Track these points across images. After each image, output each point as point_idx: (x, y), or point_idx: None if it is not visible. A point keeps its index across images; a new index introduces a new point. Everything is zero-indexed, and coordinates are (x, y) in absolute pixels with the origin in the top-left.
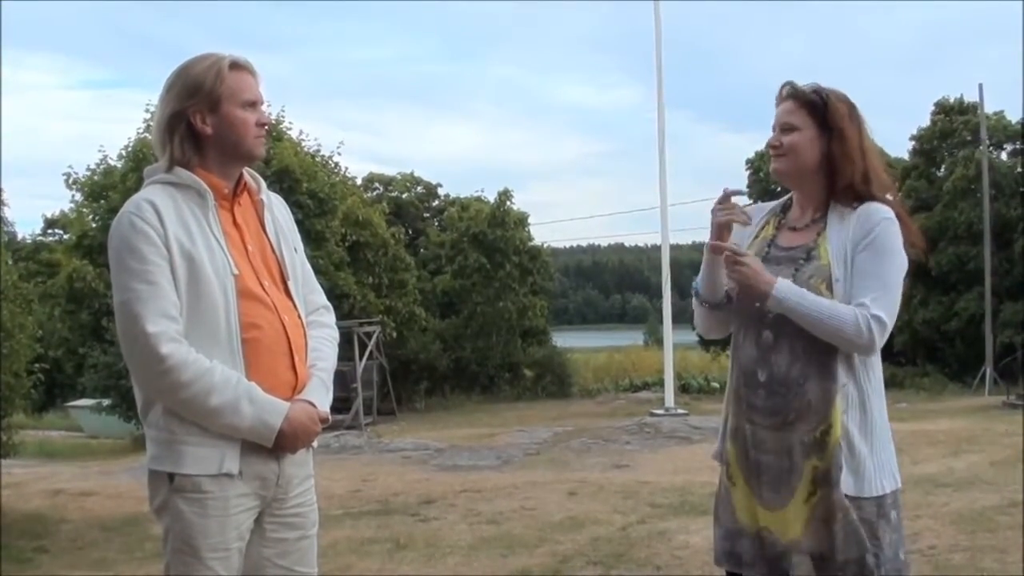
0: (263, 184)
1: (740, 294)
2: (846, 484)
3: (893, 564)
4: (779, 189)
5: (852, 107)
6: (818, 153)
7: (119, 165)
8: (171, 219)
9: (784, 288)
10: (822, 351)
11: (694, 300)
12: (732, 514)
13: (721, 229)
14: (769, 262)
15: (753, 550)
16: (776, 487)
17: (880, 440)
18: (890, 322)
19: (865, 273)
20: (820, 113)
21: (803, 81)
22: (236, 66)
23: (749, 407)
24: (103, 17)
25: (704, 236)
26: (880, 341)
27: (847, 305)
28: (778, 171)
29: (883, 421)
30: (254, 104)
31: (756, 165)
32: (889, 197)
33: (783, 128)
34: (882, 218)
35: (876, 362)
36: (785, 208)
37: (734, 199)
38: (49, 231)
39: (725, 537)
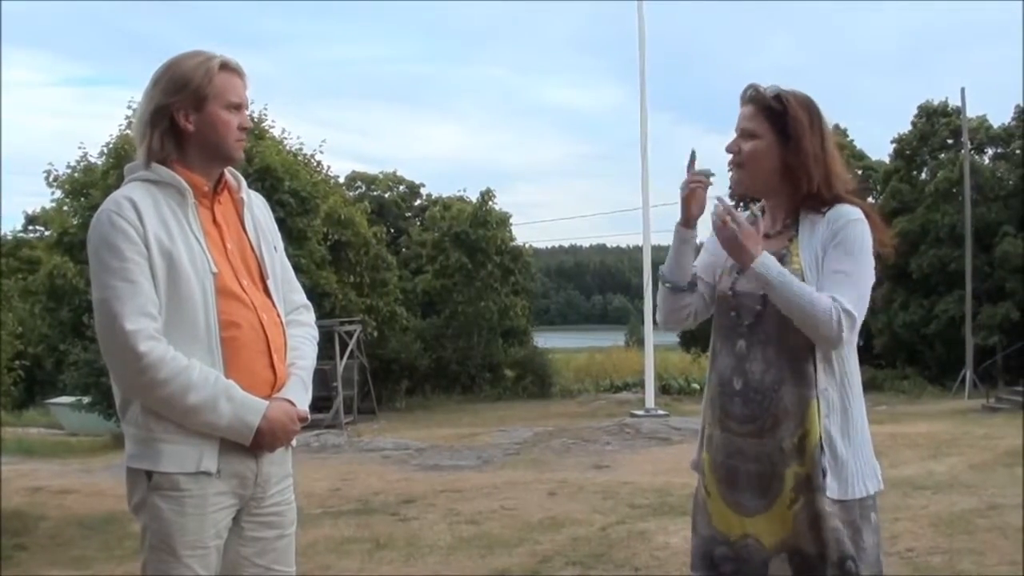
0: (243, 182)
1: (718, 304)
2: (830, 488)
3: (875, 566)
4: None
5: (814, 113)
6: (776, 162)
7: (100, 163)
8: (151, 217)
9: (767, 262)
10: (796, 357)
11: (660, 286)
12: (708, 522)
13: (688, 203)
14: (744, 272)
15: (731, 558)
16: (757, 493)
17: (861, 442)
18: (859, 318)
19: (834, 270)
20: (780, 120)
21: (787, 84)
22: (226, 67)
23: (725, 415)
24: (86, 14)
25: None
26: (847, 336)
27: (823, 295)
28: (739, 182)
29: (863, 423)
30: (239, 107)
31: None
32: (858, 200)
33: (742, 134)
34: (850, 219)
35: (854, 365)
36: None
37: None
38: (30, 228)
39: (702, 544)
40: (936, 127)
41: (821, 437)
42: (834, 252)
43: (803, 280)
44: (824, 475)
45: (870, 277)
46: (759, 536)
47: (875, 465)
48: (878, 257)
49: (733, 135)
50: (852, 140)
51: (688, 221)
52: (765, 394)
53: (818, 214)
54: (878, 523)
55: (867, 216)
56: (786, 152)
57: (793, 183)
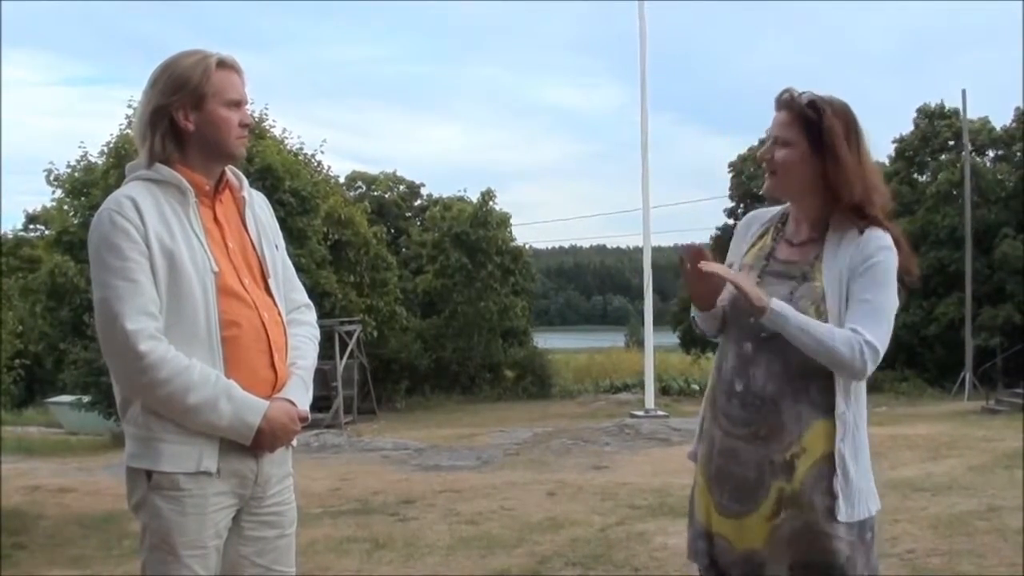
0: (245, 181)
1: (737, 302)
2: (840, 510)
3: None
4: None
5: (850, 122)
6: (811, 172)
7: (100, 162)
8: (151, 216)
9: (782, 311)
10: (803, 376)
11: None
12: (697, 513)
13: (696, 290)
14: (768, 274)
15: (708, 551)
16: (738, 497)
17: (865, 463)
18: (882, 349)
19: (860, 299)
20: (815, 129)
21: (796, 85)
22: (223, 65)
23: (723, 414)
24: (86, 14)
25: (684, 238)
26: (872, 367)
27: (842, 329)
28: (772, 189)
29: (865, 445)
30: (238, 104)
31: (738, 168)
32: (890, 225)
33: (775, 141)
34: (882, 247)
35: (862, 386)
36: (784, 218)
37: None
38: (31, 227)
39: (694, 536)
40: (937, 129)
41: (835, 459)
42: (862, 280)
43: (823, 297)
44: (836, 498)
45: (894, 307)
46: (735, 536)
47: (873, 486)
48: (900, 280)
49: (734, 136)
50: None
51: (701, 307)
52: (764, 402)
53: (849, 230)
54: (873, 541)
55: (896, 243)
56: (821, 162)
57: (831, 194)
